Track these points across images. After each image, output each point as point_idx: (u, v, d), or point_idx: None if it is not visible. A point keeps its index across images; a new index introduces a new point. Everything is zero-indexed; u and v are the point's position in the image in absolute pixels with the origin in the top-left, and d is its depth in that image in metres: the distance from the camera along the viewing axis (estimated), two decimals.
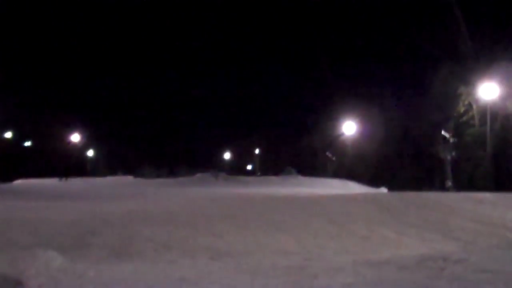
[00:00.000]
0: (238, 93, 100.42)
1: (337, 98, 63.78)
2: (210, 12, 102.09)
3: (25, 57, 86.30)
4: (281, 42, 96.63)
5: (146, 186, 38.67)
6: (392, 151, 57.44)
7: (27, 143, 79.91)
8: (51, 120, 73.11)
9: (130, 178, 58.58)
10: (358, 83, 62.90)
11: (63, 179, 45.83)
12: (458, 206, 17.94)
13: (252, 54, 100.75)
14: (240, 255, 11.32)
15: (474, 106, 46.36)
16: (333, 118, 64.87)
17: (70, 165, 62.36)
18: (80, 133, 75.82)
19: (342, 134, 65.13)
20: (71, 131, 74.58)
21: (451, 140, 42.34)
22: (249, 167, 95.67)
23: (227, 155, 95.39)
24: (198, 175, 53.48)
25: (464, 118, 47.52)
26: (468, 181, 43.46)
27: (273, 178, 53.14)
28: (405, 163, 55.90)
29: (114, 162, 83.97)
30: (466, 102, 47.31)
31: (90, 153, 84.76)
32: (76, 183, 46.08)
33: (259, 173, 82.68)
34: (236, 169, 79.85)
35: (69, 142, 74.72)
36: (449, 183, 41.06)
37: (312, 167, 69.19)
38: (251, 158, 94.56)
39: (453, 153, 42.41)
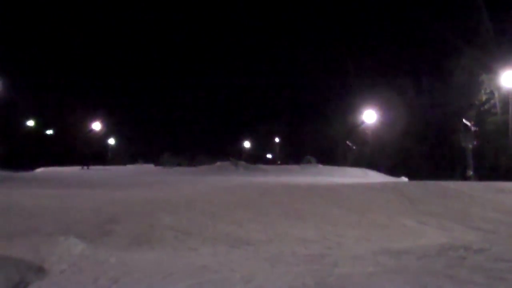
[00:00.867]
0: (260, 82, 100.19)
1: (358, 87, 63.48)
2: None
3: (48, 45, 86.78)
4: (302, 30, 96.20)
5: (166, 174, 38.81)
6: (413, 140, 57.05)
7: (49, 131, 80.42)
8: (73, 108, 73.52)
9: (150, 166, 58.77)
10: (379, 71, 62.44)
11: (85, 167, 46.04)
12: (479, 196, 17.83)
13: (273, 41, 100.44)
14: (260, 243, 11.33)
15: (496, 94, 45.94)
16: (353, 107, 64.56)
17: (91, 153, 62.70)
18: (102, 121, 76.15)
19: (363, 122, 64.79)
20: (93, 119, 74.92)
21: (473, 128, 41.91)
22: (269, 155, 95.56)
23: (247, 144, 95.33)
24: (218, 163, 53.45)
25: (486, 106, 47.13)
26: (489, 170, 43.10)
27: (293, 167, 53.00)
28: (426, 152, 55.50)
29: (134, 151, 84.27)
30: (488, 90, 46.88)
31: (111, 141, 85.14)
32: (97, 171, 46.34)
33: (279, 162, 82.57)
34: (255, 158, 79.82)
35: (91, 130, 75.06)
36: (470, 172, 40.71)
37: (332, 156, 69.03)
38: (271, 147, 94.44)
39: (475, 142, 42.00)
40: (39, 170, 52.09)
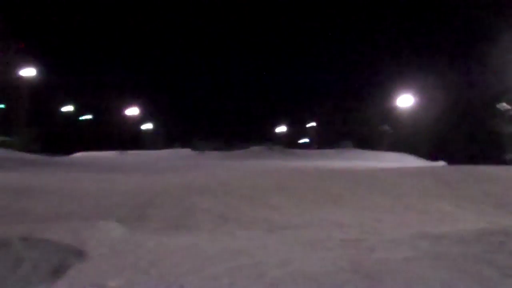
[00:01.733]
0: (296, 66, 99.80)
1: (394, 70, 62.97)
2: None
3: (84, 33, 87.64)
4: (338, 14, 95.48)
5: (203, 159, 39.07)
6: (450, 123, 56.47)
7: (87, 117, 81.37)
8: (110, 94, 74.28)
9: (187, 150, 59.12)
10: (415, 54, 61.85)
11: (123, 152, 46.60)
12: None
13: (309, 25, 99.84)
14: (296, 228, 11.34)
15: None
16: (389, 90, 64.04)
17: (128, 138, 63.37)
18: (139, 106, 76.77)
19: (399, 107, 64.30)
20: (130, 105, 75.56)
21: (511, 112, 41.35)
22: (305, 140, 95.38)
23: (283, 128, 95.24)
24: (254, 148, 53.65)
25: None
26: None
27: (329, 151, 52.96)
28: (463, 136, 54.90)
29: (171, 135, 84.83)
30: None
31: (148, 126, 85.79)
32: (135, 156, 46.83)
33: (316, 146, 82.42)
34: (291, 142, 79.75)
35: (128, 116, 75.75)
36: (509, 156, 40.21)
37: (368, 140, 68.63)
38: (307, 131, 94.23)
39: None
40: (77, 154, 52.88)
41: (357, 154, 47.19)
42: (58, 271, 7.09)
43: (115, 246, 8.64)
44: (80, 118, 79.84)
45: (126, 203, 13.14)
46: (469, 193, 15.84)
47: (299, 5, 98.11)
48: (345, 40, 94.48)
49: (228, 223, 11.72)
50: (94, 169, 26.08)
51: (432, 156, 48.11)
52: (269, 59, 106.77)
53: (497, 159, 42.89)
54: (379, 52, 71.73)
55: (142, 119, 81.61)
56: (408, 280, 6.07)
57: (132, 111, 76.40)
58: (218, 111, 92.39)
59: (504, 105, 41.53)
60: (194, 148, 59.53)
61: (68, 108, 76.31)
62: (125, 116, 76.00)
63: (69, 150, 56.54)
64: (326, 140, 78.81)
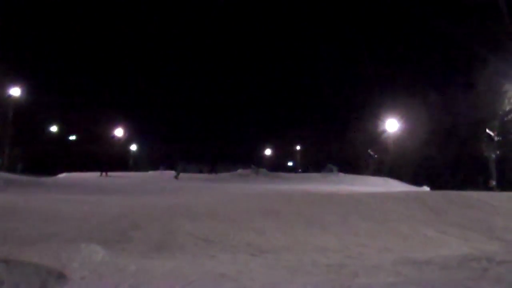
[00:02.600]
0: (282, 90, 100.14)
1: (380, 95, 63.41)
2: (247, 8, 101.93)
3: (72, 52, 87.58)
4: (326, 39, 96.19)
5: (188, 181, 38.93)
6: (435, 149, 56.81)
7: (72, 137, 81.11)
8: (96, 114, 74.13)
9: (172, 173, 58.96)
10: (401, 80, 62.29)
11: (103, 174, 45.88)
12: (502, 206, 17.66)
13: (297, 50, 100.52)
14: (280, 251, 11.31)
15: None
16: (375, 115, 64.43)
17: (111, 159, 62.92)
18: (124, 127, 76.68)
19: (385, 131, 64.65)
20: (115, 126, 75.46)
21: (496, 138, 41.63)
22: (290, 163, 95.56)
23: (268, 151, 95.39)
24: (239, 171, 53.65)
25: (510, 116, 46.78)
26: None
27: (314, 175, 53.04)
28: (449, 162, 55.21)
29: (156, 157, 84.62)
30: None
31: (133, 147, 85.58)
32: (118, 177, 46.55)
33: (300, 170, 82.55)
34: (276, 166, 79.89)
35: (113, 137, 75.58)
36: (493, 182, 40.44)
37: (353, 164, 68.87)
38: (292, 155, 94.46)
39: (498, 152, 41.71)
40: (62, 175, 52.49)
41: (342, 178, 47.27)
42: None
43: (97, 269, 8.56)
44: (66, 138, 79.57)
45: (108, 225, 13.04)
46: (453, 218, 15.86)
47: (284, 28, 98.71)
48: (331, 64, 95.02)
49: (212, 246, 11.65)
50: (78, 190, 25.93)
51: (416, 181, 48.29)
52: (257, 83, 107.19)
53: (482, 185, 43.15)
54: (366, 77, 72.11)
55: (128, 140, 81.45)
56: None
57: (118, 132, 76.25)
58: (204, 133, 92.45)
59: (489, 131, 41.84)
60: (179, 170, 59.37)
61: (53, 129, 76.07)
62: (111, 137, 75.81)
63: (54, 171, 56.19)
64: (311, 163, 79.00)
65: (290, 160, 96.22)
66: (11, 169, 46.05)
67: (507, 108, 46.60)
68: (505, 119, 46.53)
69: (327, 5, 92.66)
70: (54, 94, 72.05)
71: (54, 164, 63.22)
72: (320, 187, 30.85)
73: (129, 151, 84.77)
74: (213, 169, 59.25)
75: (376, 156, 67.83)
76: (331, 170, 57.60)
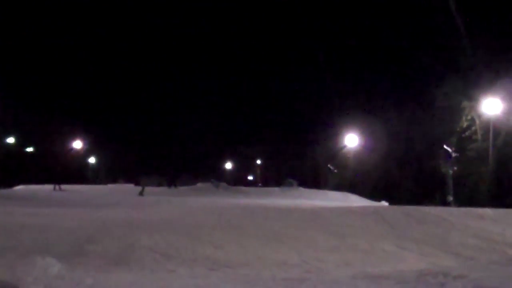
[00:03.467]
0: (242, 103, 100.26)
1: (340, 111, 63.92)
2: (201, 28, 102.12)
3: (28, 62, 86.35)
4: (286, 55, 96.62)
5: (147, 194, 38.55)
6: (394, 164, 57.40)
7: (29, 149, 79.95)
8: (54, 126, 73.17)
9: (131, 186, 58.43)
10: (361, 96, 62.92)
11: (57, 187, 44.46)
12: (459, 222, 17.88)
13: (256, 64, 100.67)
14: (239, 266, 11.28)
15: (477, 121, 46.28)
16: (335, 131, 64.88)
17: (67, 172, 61.94)
18: (83, 139, 75.89)
19: (344, 146, 65.10)
20: (74, 138, 74.62)
21: (453, 154, 42.21)
22: (250, 177, 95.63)
23: (228, 165, 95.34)
24: (199, 184, 53.46)
25: (467, 133, 47.44)
26: (469, 196, 43.39)
27: (274, 189, 53.10)
28: (407, 177, 55.80)
29: (115, 170, 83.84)
30: (469, 117, 47.23)
31: (92, 160, 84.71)
32: (75, 190, 45.88)
33: (260, 184, 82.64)
34: (237, 179, 79.85)
35: (71, 149, 74.68)
36: (450, 198, 40.92)
37: (313, 179, 69.14)
38: (252, 169, 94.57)
39: (455, 168, 42.26)
40: (18, 187, 51.67)
41: (302, 193, 47.35)
42: None
43: (52, 284, 8.42)
44: (23, 150, 78.39)
45: (65, 238, 12.84)
46: (410, 233, 16.01)
47: (246, 43, 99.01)
48: (292, 79, 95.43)
49: (170, 260, 11.57)
50: (34, 203, 25.49)
51: (375, 196, 48.67)
52: (216, 97, 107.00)
53: (440, 200, 43.65)
54: (325, 92, 72.65)
55: (87, 153, 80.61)
56: None
57: (77, 144, 75.43)
58: (164, 147, 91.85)
59: (447, 147, 42.42)
60: (138, 183, 58.89)
61: (10, 140, 74.93)
62: (69, 149, 74.92)
63: (10, 183, 55.20)
64: (270, 177, 79.16)
65: (250, 174, 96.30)
66: None
67: (465, 125, 47.30)
68: (463, 135, 47.21)
69: (287, 22, 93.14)
70: (11, 105, 70.88)
71: (10, 176, 62.14)
72: (280, 202, 30.88)
73: (87, 163, 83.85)
74: (172, 183, 58.88)
75: (336, 171, 68.19)
76: (291, 185, 57.65)
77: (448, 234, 16.00)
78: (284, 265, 11.48)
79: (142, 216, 18.00)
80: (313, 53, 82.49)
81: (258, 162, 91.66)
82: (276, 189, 52.92)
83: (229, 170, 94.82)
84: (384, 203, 38.80)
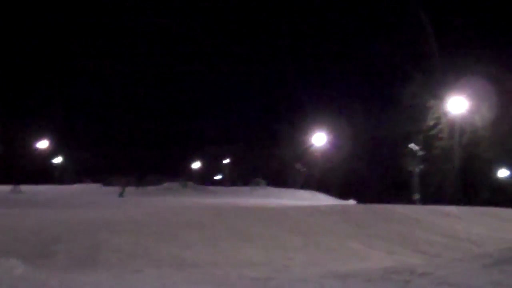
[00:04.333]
0: (210, 102, 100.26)
1: (308, 109, 64.08)
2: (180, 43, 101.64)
3: None
4: (252, 54, 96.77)
5: (113, 194, 38.33)
6: (361, 163, 57.76)
7: None
8: (19, 126, 72.17)
9: (98, 186, 58.01)
10: (328, 94, 63.30)
11: (17, 188, 42.92)
12: (424, 219, 18.08)
13: (224, 66, 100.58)
14: (206, 266, 11.23)
15: (443, 120, 46.79)
16: (303, 129, 64.96)
17: (30, 172, 60.99)
18: (49, 139, 74.93)
19: (312, 145, 65.25)
20: (39, 138, 73.66)
21: (420, 152, 42.66)
22: (218, 176, 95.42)
23: (196, 165, 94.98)
24: (166, 184, 53.29)
25: (433, 131, 47.93)
26: (435, 194, 43.84)
27: (242, 188, 53.19)
28: (374, 175, 56.22)
29: (82, 170, 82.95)
30: (435, 116, 47.73)
31: (58, 160, 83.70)
32: (39, 191, 45.26)
33: (228, 183, 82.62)
34: (205, 179, 79.65)
35: (36, 149, 73.75)
36: (416, 196, 41.36)
37: (281, 178, 69.23)
38: (220, 168, 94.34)
39: (421, 166, 42.73)
40: None
41: (270, 192, 47.51)
42: None
43: (16, 285, 8.30)
44: None
45: (29, 239, 12.67)
46: (377, 231, 16.13)
47: (213, 38, 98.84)
48: (260, 78, 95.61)
49: (137, 260, 11.48)
50: None
51: (343, 194, 48.97)
52: (184, 95, 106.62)
53: (406, 199, 44.06)
54: (293, 91, 72.86)
55: (53, 152, 79.60)
56: None
57: (42, 144, 74.50)
58: (132, 147, 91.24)
59: (413, 145, 42.85)
60: (105, 183, 58.48)
61: None
62: (34, 149, 74.00)
63: None
64: (239, 177, 79.10)
65: (218, 174, 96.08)
66: None
67: (431, 123, 47.72)
68: (429, 134, 47.64)
69: (253, 19, 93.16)
70: None
71: None
72: (248, 201, 30.92)
73: (53, 163, 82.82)
74: (139, 183, 58.57)
75: (304, 169, 68.39)
76: (259, 184, 57.86)
77: (414, 232, 16.16)
78: (251, 264, 11.46)
79: (109, 216, 17.81)
80: (279, 52, 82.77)
81: (226, 161, 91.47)
82: (244, 188, 52.98)
83: (197, 170, 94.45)
84: (352, 202, 39.04)
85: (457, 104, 41.98)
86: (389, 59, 51.44)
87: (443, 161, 45.66)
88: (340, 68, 73.21)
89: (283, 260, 12.16)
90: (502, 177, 42.69)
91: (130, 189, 46.92)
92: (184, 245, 13.14)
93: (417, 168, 42.24)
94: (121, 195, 37.52)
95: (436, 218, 18.66)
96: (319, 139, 63.10)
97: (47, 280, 8.71)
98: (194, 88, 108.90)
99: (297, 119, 67.36)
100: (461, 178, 43.54)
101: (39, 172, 69.14)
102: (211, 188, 54.08)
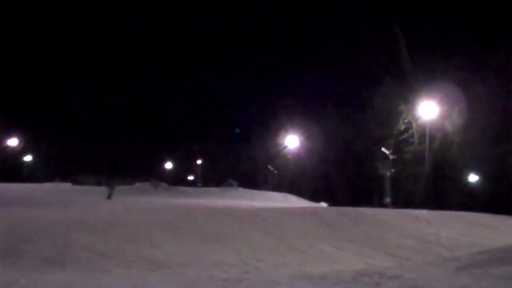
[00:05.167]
0: (182, 103, 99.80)
1: (281, 112, 64.10)
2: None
3: None
4: (226, 56, 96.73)
5: (84, 194, 38.00)
6: (333, 166, 57.90)
7: None
8: None
9: (68, 185, 57.40)
10: (301, 98, 63.45)
11: None
12: (395, 223, 18.21)
13: (197, 64, 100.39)
14: (177, 266, 11.19)
15: (414, 124, 47.12)
16: (276, 132, 64.97)
17: (7, 169, 60.39)
18: (18, 137, 74.03)
19: (285, 147, 65.28)
20: (9, 135, 72.75)
21: (391, 156, 42.89)
22: (190, 177, 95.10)
23: (168, 165, 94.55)
24: (138, 184, 52.95)
25: (404, 136, 48.23)
26: (406, 198, 44.13)
27: (214, 189, 53.05)
28: (346, 179, 56.40)
29: (52, 169, 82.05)
30: (407, 120, 48.06)
31: (28, 158, 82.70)
32: (8, 189, 44.76)
33: (200, 184, 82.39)
34: (177, 179, 79.31)
35: (6, 147, 72.83)
36: (387, 199, 41.57)
37: (253, 179, 69.18)
38: (192, 169, 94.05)
39: (393, 170, 42.96)
40: None
41: (241, 193, 47.44)
42: None
43: None
44: None
45: None
46: (348, 234, 16.20)
47: (191, 41, 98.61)
48: (232, 80, 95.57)
49: (107, 260, 11.40)
50: None
51: (315, 197, 49.10)
52: (157, 95, 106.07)
53: (377, 202, 44.31)
54: (267, 94, 72.93)
55: (23, 150, 78.66)
56: None
57: (12, 142, 73.59)
58: (103, 146, 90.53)
59: (385, 150, 43.07)
60: (75, 182, 57.92)
61: None
62: (4, 147, 73.08)
63: None
64: (211, 178, 78.94)
65: (190, 174, 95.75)
66: None
67: (402, 128, 48.03)
68: (400, 138, 47.94)
69: (229, 20, 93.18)
70: None
71: None
72: (220, 202, 30.84)
73: (23, 161, 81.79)
74: (109, 182, 58.16)
75: (276, 171, 68.46)
76: (231, 185, 57.74)
77: (384, 235, 16.25)
78: (223, 266, 11.45)
79: (79, 216, 17.69)
80: (252, 54, 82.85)
81: (199, 162, 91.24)
82: (216, 189, 52.86)
83: (169, 170, 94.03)
84: (323, 204, 39.16)
85: (428, 109, 42.26)
86: (361, 64, 51.76)
87: (414, 165, 45.97)
88: (313, 72, 73.48)
89: (254, 262, 12.16)
90: (472, 182, 43.06)
91: (102, 189, 46.56)
92: (155, 246, 13.09)
93: (388, 172, 42.46)
94: (109, 197, 36.84)
95: (406, 221, 18.80)
96: (291, 141, 63.13)
97: (16, 279, 8.62)
98: (167, 87, 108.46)
99: (270, 121, 67.45)
100: (431, 182, 43.91)
101: (8, 170, 68.30)
102: (183, 188, 53.79)
